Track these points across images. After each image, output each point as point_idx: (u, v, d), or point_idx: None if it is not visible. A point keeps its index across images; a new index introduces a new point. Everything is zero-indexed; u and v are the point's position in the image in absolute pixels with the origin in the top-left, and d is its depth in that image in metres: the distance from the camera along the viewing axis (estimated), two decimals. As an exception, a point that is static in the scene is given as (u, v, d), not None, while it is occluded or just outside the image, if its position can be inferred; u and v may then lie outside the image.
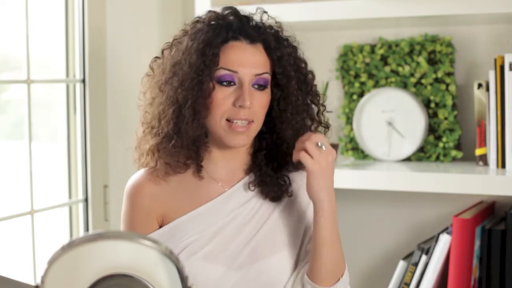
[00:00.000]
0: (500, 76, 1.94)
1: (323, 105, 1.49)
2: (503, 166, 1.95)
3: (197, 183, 1.45)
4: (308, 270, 1.41)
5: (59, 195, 2.27)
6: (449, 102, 2.11)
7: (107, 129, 2.33)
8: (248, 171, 1.48)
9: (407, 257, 2.03)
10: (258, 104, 1.39)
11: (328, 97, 2.21)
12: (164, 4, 2.35)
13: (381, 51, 2.18)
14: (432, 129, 2.15)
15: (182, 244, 1.41)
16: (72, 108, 2.26)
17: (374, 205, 2.24)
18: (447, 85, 2.13)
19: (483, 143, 2.01)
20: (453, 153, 2.13)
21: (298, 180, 1.49)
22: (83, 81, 2.26)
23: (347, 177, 2.00)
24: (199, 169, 1.44)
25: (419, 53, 2.15)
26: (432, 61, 2.14)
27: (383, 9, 1.95)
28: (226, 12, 1.43)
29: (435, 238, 1.92)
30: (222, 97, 1.38)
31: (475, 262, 1.92)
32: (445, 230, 1.95)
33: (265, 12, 1.45)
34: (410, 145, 2.13)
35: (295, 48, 1.45)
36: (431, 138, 2.15)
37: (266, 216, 1.45)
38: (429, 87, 2.14)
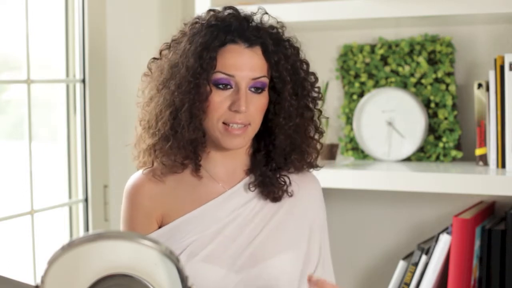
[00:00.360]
0: (500, 76, 1.94)
1: (320, 110, 1.49)
2: (503, 166, 1.95)
3: (196, 183, 1.45)
4: None
5: (59, 195, 2.27)
6: (449, 102, 2.11)
7: (107, 129, 2.33)
8: (248, 171, 1.48)
9: (407, 257, 2.03)
10: (255, 107, 1.39)
11: (328, 97, 2.21)
12: (164, 4, 2.35)
13: (381, 51, 2.18)
14: (432, 129, 2.15)
15: (182, 244, 1.40)
16: (72, 108, 2.26)
17: (374, 205, 2.24)
18: (447, 85, 2.13)
19: (483, 143, 2.01)
20: (453, 153, 2.13)
21: (299, 182, 1.49)
22: (83, 81, 2.26)
23: (347, 177, 2.00)
24: (197, 168, 1.44)
25: (419, 53, 2.15)
26: (432, 61, 2.14)
27: (383, 9, 1.95)
28: (226, 13, 1.42)
29: (435, 238, 1.92)
30: (219, 100, 1.37)
31: (475, 262, 1.92)
32: (445, 230, 1.95)
33: (266, 13, 1.44)
34: (410, 145, 2.13)
35: (296, 50, 1.45)
36: (431, 138, 2.15)
37: (268, 218, 1.45)
38: (429, 87, 2.14)
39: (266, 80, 1.40)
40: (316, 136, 1.48)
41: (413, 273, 1.93)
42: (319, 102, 1.49)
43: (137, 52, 2.30)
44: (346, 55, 2.23)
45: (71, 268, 1.02)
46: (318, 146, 1.49)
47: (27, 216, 2.09)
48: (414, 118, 2.11)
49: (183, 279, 1.03)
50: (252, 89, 1.38)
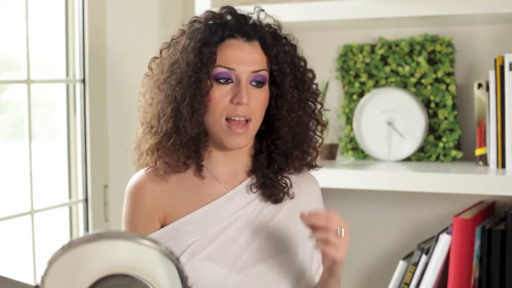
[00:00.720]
0: (500, 76, 1.94)
1: (321, 103, 1.49)
2: (503, 166, 1.95)
3: (199, 183, 1.45)
4: None
5: (59, 195, 2.27)
6: (449, 102, 2.11)
7: (107, 129, 2.33)
8: (250, 172, 1.48)
9: (407, 257, 2.03)
10: (256, 101, 1.39)
11: (328, 97, 2.21)
12: (164, 4, 2.35)
13: (381, 51, 2.18)
14: (432, 129, 2.15)
15: (184, 244, 1.40)
16: (72, 108, 2.26)
17: (374, 205, 2.24)
18: (447, 85, 2.13)
19: (483, 143, 2.01)
20: (453, 153, 2.13)
21: (299, 182, 1.50)
22: (83, 81, 2.26)
23: (347, 177, 2.00)
24: (199, 168, 1.44)
25: (419, 53, 2.15)
26: (432, 61, 2.14)
27: (383, 9, 1.95)
28: (223, 11, 1.43)
29: (435, 238, 1.92)
30: (220, 94, 1.38)
31: (475, 262, 1.92)
32: (445, 230, 1.95)
33: (262, 10, 1.45)
34: (410, 145, 2.13)
35: (293, 46, 1.45)
36: (431, 138, 2.15)
37: (269, 218, 1.45)
38: (429, 87, 2.14)
39: (266, 73, 1.41)
40: (319, 129, 1.49)
41: (413, 273, 1.93)
42: (319, 99, 1.49)
43: (137, 52, 2.30)
44: (346, 55, 2.23)
45: (71, 268, 1.02)
46: (320, 140, 1.50)
47: (27, 216, 2.09)
48: (414, 118, 2.11)
49: (183, 279, 1.03)
50: (253, 83, 1.39)
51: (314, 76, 1.48)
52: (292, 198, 1.47)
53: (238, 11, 1.44)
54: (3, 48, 2.10)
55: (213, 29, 1.39)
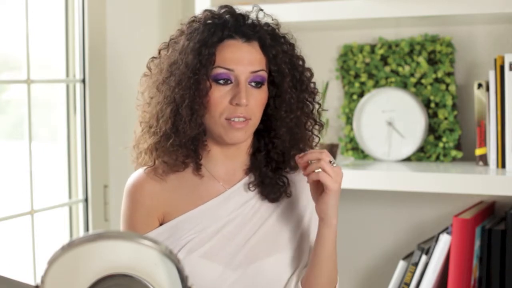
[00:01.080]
0: (500, 76, 1.94)
1: (319, 103, 1.49)
2: (503, 166, 1.95)
3: (197, 182, 1.45)
4: (304, 281, 1.41)
5: (59, 195, 2.27)
6: (449, 102, 2.11)
7: (107, 129, 2.33)
8: (248, 171, 1.48)
9: (407, 257, 2.03)
10: (255, 102, 1.39)
11: (328, 97, 2.21)
12: (164, 4, 2.35)
13: (381, 51, 2.18)
14: (432, 129, 2.15)
15: (182, 241, 1.41)
16: (72, 108, 2.26)
17: (374, 205, 2.24)
18: (447, 85, 2.13)
19: (483, 143, 2.01)
20: (453, 153, 2.13)
21: (297, 182, 1.50)
22: (83, 81, 2.26)
23: (347, 177, 1.99)
24: (198, 167, 1.44)
25: (419, 53, 2.15)
26: (432, 61, 2.14)
27: (383, 9, 1.95)
28: (222, 10, 1.43)
29: (435, 238, 1.92)
30: (219, 95, 1.38)
31: (475, 262, 1.92)
32: (445, 230, 1.95)
33: (261, 9, 1.45)
34: (410, 145, 2.13)
35: (292, 46, 1.46)
36: (431, 138, 2.15)
37: (265, 217, 1.46)
38: (429, 87, 2.14)
39: (265, 74, 1.41)
40: (316, 128, 1.49)
41: (413, 273, 1.93)
42: (317, 98, 1.50)
43: (137, 52, 2.29)
44: (346, 55, 2.23)
45: (71, 268, 1.02)
46: (317, 140, 1.50)
47: (27, 216, 2.09)
48: (414, 118, 2.11)
49: (183, 279, 1.03)
50: (252, 84, 1.39)
51: (312, 75, 1.48)
52: (289, 196, 1.48)
53: (237, 11, 1.44)
54: (3, 48, 2.10)
55: (212, 30, 1.39)
